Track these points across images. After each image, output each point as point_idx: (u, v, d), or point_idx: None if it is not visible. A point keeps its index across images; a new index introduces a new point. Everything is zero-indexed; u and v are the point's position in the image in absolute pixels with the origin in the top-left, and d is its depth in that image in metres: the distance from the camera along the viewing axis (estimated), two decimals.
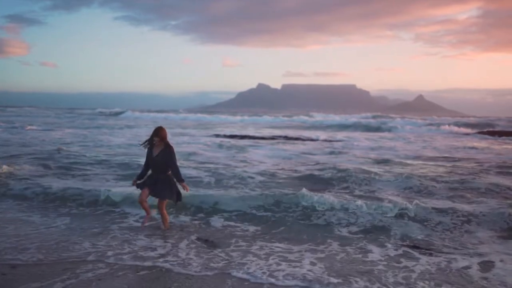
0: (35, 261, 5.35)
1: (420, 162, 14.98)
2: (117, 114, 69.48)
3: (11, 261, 5.31)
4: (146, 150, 6.70)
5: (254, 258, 5.59)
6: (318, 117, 61.22)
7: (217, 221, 7.40)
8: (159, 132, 6.52)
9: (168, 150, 6.52)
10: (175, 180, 6.61)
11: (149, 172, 6.69)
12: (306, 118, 57.98)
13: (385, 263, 5.52)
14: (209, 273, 5.10)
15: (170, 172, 6.57)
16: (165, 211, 6.85)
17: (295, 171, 12.35)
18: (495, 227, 7.08)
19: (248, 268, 5.22)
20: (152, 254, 5.69)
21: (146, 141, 6.70)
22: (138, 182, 6.67)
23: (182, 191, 6.69)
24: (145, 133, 26.77)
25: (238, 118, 59.86)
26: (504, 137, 29.22)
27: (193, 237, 6.45)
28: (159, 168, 6.55)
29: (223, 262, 5.45)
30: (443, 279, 5.00)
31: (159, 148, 6.54)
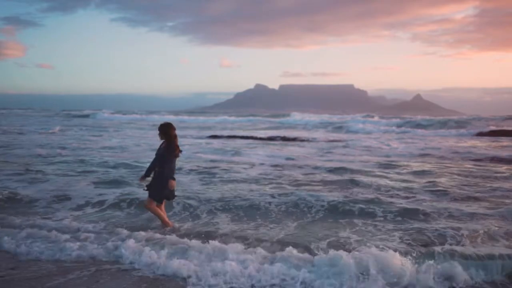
0: (34, 261, 5.31)
1: (419, 162, 15.00)
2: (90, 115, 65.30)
3: (9, 263, 5.25)
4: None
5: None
6: (307, 116, 58.93)
7: None
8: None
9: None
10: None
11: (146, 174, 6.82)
12: (285, 119, 55.17)
13: None
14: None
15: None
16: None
17: (294, 180, 11.83)
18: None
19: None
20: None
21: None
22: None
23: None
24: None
25: (220, 118, 57.80)
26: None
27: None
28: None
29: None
30: None
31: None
